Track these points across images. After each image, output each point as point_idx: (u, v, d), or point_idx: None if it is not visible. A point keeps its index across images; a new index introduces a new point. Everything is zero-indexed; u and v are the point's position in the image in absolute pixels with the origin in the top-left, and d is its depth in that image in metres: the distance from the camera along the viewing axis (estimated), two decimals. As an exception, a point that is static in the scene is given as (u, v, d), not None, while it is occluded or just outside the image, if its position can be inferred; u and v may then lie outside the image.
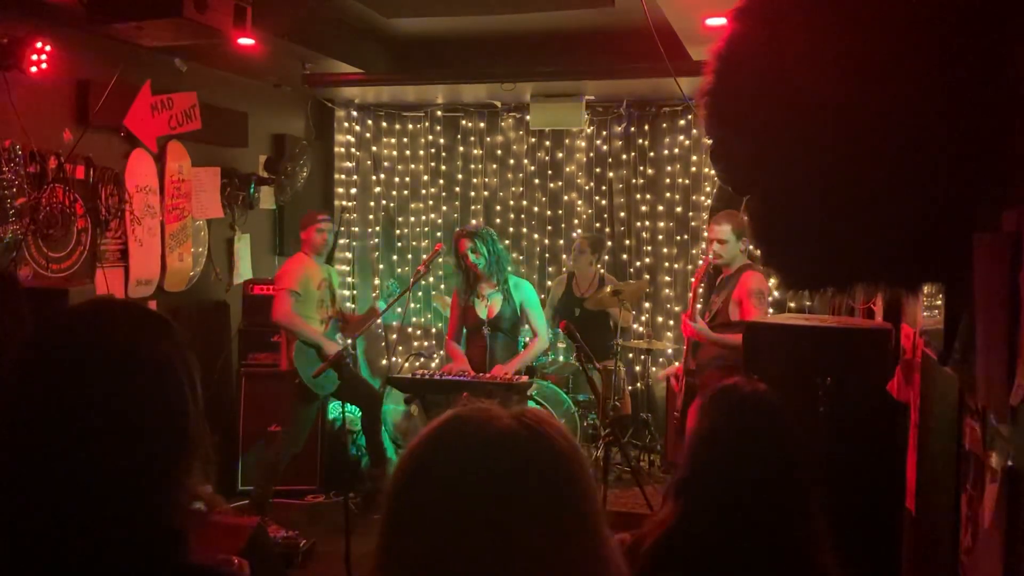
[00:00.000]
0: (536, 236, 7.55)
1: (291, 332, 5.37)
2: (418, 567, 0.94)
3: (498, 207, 7.62)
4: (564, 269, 7.15)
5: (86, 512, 1.13)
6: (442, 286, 7.70)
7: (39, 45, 4.40)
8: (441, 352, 7.16)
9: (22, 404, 1.17)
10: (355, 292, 7.89)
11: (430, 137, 7.72)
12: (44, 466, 1.13)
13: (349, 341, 5.51)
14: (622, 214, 7.32)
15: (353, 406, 5.99)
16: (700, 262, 5.15)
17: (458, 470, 0.95)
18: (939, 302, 2.76)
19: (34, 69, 4.42)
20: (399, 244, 7.85)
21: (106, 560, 1.13)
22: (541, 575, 0.92)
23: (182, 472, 1.20)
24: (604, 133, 7.31)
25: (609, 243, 7.30)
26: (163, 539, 1.16)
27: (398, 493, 0.98)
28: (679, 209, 7.16)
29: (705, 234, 6.49)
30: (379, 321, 6.54)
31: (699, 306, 4.88)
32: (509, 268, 5.42)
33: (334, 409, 6.20)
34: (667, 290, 7.22)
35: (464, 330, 5.56)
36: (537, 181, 7.52)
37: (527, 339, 5.66)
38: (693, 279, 4.96)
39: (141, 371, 1.20)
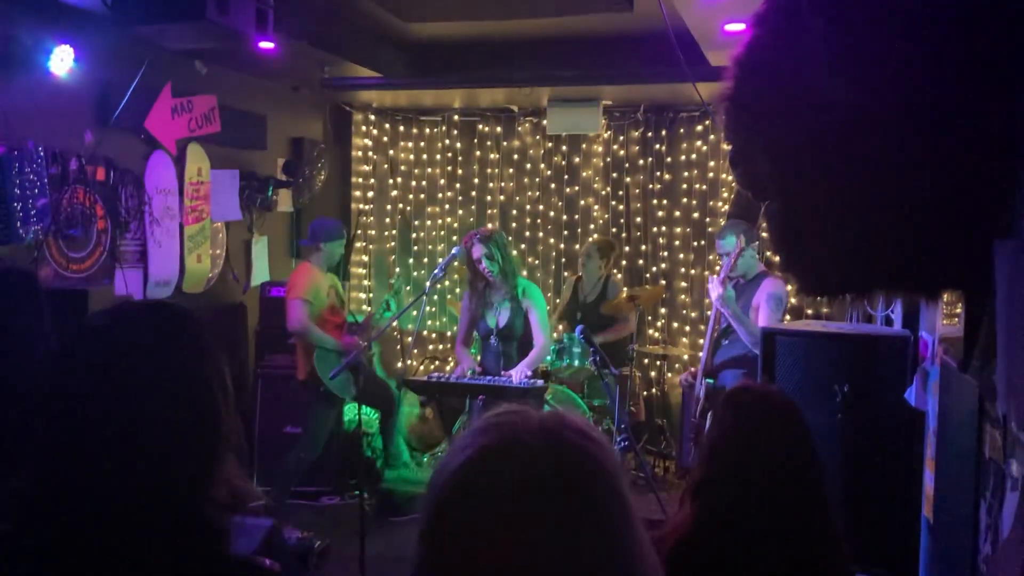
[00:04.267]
0: (552, 241, 7.55)
1: (308, 340, 5.38)
2: None
3: (514, 211, 7.63)
4: (579, 272, 7.14)
5: (130, 511, 1.15)
6: (457, 290, 7.71)
7: (62, 47, 4.44)
8: (456, 355, 7.17)
9: (57, 411, 1.19)
10: (371, 295, 7.92)
11: (447, 141, 7.74)
12: (84, 469, 1.16)
13: (364, 344, 5.51)
14: (638, 219, 7.31)
15: (369, 407, 6.00)
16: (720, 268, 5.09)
17: (493, 492, 0.98)
18: (958, 309, 2.75)
19: (57, 71, 4.46)
20: (415, 248, 7.88)
21: (152, 555, 1.15)
22: None
23: (217, 468, 1.22)
24: (621, 138, 7.31)
25: (626, 248, 7.29)
26: (203, 533, 1.19)
27: (439, 511, 1.01)
28: (696, 215, 7.15)
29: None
30: (395, 324, 6.56)
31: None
32: (523, 273, 5.38)
33: (349, 411, 6.21)
34: (683, 296, 7.20)
35: (476, 336, 5.56)
36: (553, 186, 7.52)
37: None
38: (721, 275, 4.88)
39: (172, 373, 1.22)
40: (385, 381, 6.34)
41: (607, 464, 1.01)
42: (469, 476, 0.99)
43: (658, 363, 7.12)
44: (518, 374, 5.12)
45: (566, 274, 7.45)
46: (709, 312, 5.00)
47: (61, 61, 4.46)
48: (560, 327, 6.68)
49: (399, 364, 7.72)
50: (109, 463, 1.15)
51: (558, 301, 6.98)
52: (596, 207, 7.43)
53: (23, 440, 1.22)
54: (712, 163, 7.08)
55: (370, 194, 7.93)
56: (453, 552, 0.97)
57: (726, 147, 5.50)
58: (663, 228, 7.25)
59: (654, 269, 7.27)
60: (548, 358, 5.95)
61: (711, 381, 4.97)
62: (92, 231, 4.98)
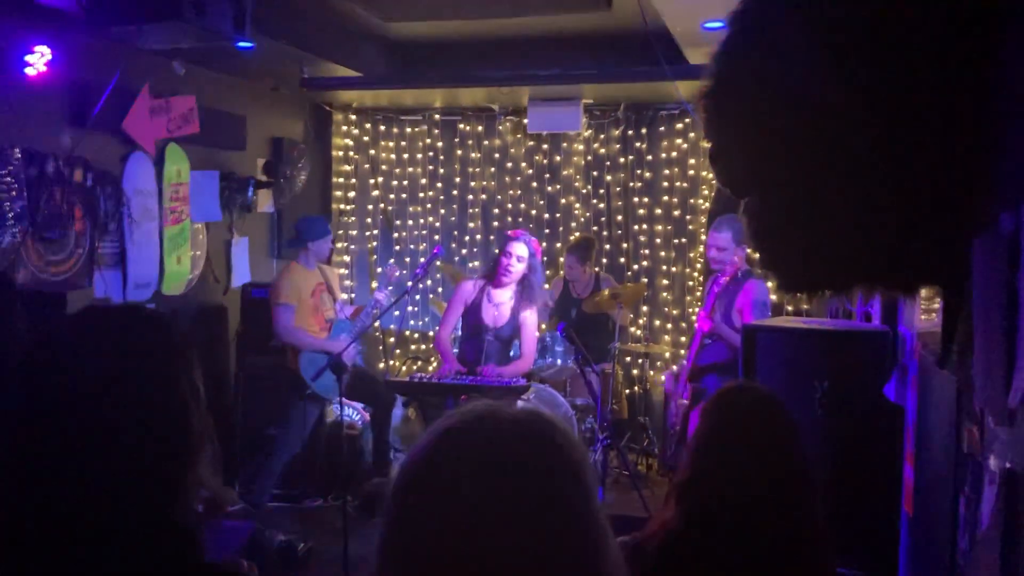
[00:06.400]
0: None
1: (297, 346, 5.39)
2: (419, 566, 0.96)
3: (496, 210, 7.62)
4: (560, 273, 7.14)
5: (101, 516, 1.14)
6: (440, 290, 7.70)
7: (38, 48, 4.40)
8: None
9: (27, 414, 1.17)
10: (353, 296, 7.89)
11: (428, 140, 7.73)
12: (54, 473, 1.15)
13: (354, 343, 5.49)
14: (619, 217, 7.33)
15: (350, 409, 5.99)
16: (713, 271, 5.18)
17: (457, 472, 0.98)
18: (936, 305, 2.77)
19: (33, 72, 4.42)
20: (397, 248, 7.86)
21: (125, 562, 1.14)
22: (543, 571, 0.95)
23: (190, 471, 1.22)
24: (602, 136, 7.32)
25: (607, 246, 7.30)
26: (177, 538, 1.18)
27: (401, 494, 1.01)
28: (676, 213, 7.16)
29: (704, 238, 6.50)
30: (376, 324, 6.55)
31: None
32: (542, 287, 5.53)
33: (333, 412, 6.19)
34: (665, 293, 7.22)
35: (460, 330, 5.57)
36: (535, 184, 7.52)
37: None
38: (714, 286, 5.01)
39: (139, 376, 1.21)
40: (376, 377, 6.32)
41: (571, 452, 1.02)
42: (431, 456, 1.01)
43: (640, 361, 7.14)
44: (494, 372, 5.18)
45: (547, 272, 7.45)
46: (693, 316, 5.05)
47: (37, 62, 4.41)
48: (543, 326, 6.67)
49: (381, 365, 7.70)
50: (76, 467, 1.14)
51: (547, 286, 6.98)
52: (577, 205, 7.44)
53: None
54: (692, 160, 7.10)
55: (351, 194, 7.90)
56: (415, 531, 0.98)
57: (706, 144, 5.51)
58: (644, 226, 7.26)
59: (635, 267, 7.28)
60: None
61: (695, 384, 5.01)
62: (70, 233, 4.94)
